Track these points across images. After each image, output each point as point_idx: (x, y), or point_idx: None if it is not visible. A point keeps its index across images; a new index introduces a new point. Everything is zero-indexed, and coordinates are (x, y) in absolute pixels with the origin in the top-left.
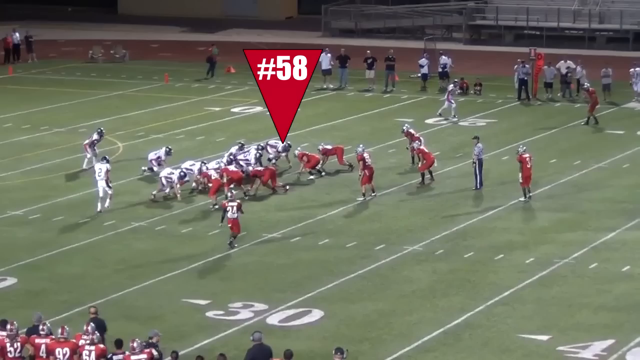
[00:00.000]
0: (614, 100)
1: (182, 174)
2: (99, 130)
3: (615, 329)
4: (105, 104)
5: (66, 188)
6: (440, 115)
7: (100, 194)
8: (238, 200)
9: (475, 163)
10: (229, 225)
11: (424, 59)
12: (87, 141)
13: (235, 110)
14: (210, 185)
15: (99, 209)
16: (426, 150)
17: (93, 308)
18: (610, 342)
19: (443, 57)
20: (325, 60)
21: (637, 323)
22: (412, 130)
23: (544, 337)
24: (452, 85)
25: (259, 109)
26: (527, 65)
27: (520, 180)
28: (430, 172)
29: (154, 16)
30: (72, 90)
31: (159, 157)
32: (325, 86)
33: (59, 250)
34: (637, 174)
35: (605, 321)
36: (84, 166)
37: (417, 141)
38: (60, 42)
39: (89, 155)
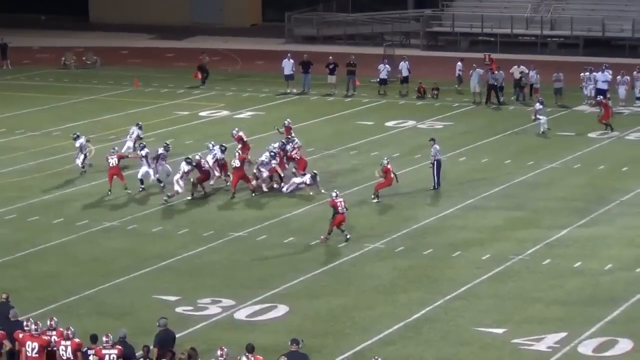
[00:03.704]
0: (565, 104)
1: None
2: (138, 125)
3: (567, 322)
4: (78, 109)
5: (40, 189)
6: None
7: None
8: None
9: (433, 164)
10: (336, 222)
11: (381, 64)
12: (128, 139)
13: (203, 114)
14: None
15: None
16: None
17: (5, 294)
18: (562, 334)
19: (402, 62)
20: (288, 66)
21: (588, 316)
22: (291, 126)
23: (500, 330)
24: (538, 103)
25: (225, 112)
26: (496, 72)
27: (379, 181)
28: (280, 177)
29: (124, 24)
30: (45, 95)
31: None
32: (288, 91)
33: (34, 250)
34: (587, 173)
35: (558, 315)
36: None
37: (279, 142)
38: (34, 49)
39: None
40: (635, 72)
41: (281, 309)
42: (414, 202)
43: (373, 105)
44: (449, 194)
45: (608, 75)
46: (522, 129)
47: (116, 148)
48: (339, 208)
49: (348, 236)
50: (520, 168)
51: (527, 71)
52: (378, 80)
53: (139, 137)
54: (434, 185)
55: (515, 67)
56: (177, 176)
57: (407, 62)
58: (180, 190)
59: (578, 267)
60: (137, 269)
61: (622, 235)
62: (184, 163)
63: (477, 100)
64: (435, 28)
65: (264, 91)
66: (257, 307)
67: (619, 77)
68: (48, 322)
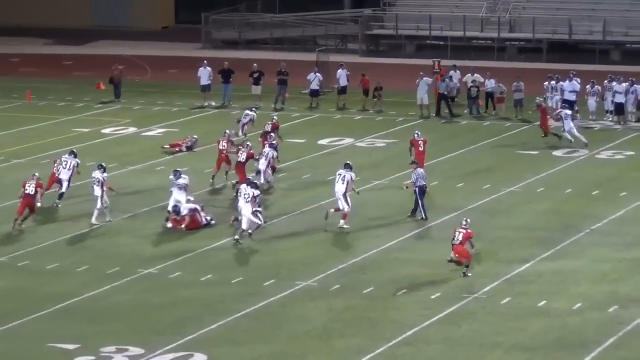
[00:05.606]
0: (526, 118)
1: None
2: (253, 109)
3: None
4: None
5: None
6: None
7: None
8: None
9: (415, 192)
10: (456, 254)
11: (312, 74)
12: (244, 121)
13: (107, 131)
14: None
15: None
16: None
17: None
18: None
19: (340, 70)
20: (205, 75)
21: None
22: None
23: None
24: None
25: (132, 129)
26: (447, 80)
27: None
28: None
29: (14, 27)
30: None
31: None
32: (206, 104)
33: None
34: (552, 198)
35: None
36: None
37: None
38: None
39: (240, 133)
40: (606, 82)
41: (198, 359)
42: (352, 232)
43: (305, 121)
44: (393, 223)
45: (576, 84)
46: (476, 147)
47: (37, 174)
48: (455, 237)
49: (469, 275)
50: (474, 193)
51: (482, 80)
52: (309, 92)
53: (252, 121)
54: (424, 216)
55: (469, 75)
56: (249, 209)
57: (346, 70)
58: (261, 222)
59: (542, 307)
60: (29, 312)
61: (593, 270)
62: (249, 188)
63: (425, 114)
64: (376, 31)
65: (177, 104)
66: (171, 356)
67: (588, 87)
68: None
